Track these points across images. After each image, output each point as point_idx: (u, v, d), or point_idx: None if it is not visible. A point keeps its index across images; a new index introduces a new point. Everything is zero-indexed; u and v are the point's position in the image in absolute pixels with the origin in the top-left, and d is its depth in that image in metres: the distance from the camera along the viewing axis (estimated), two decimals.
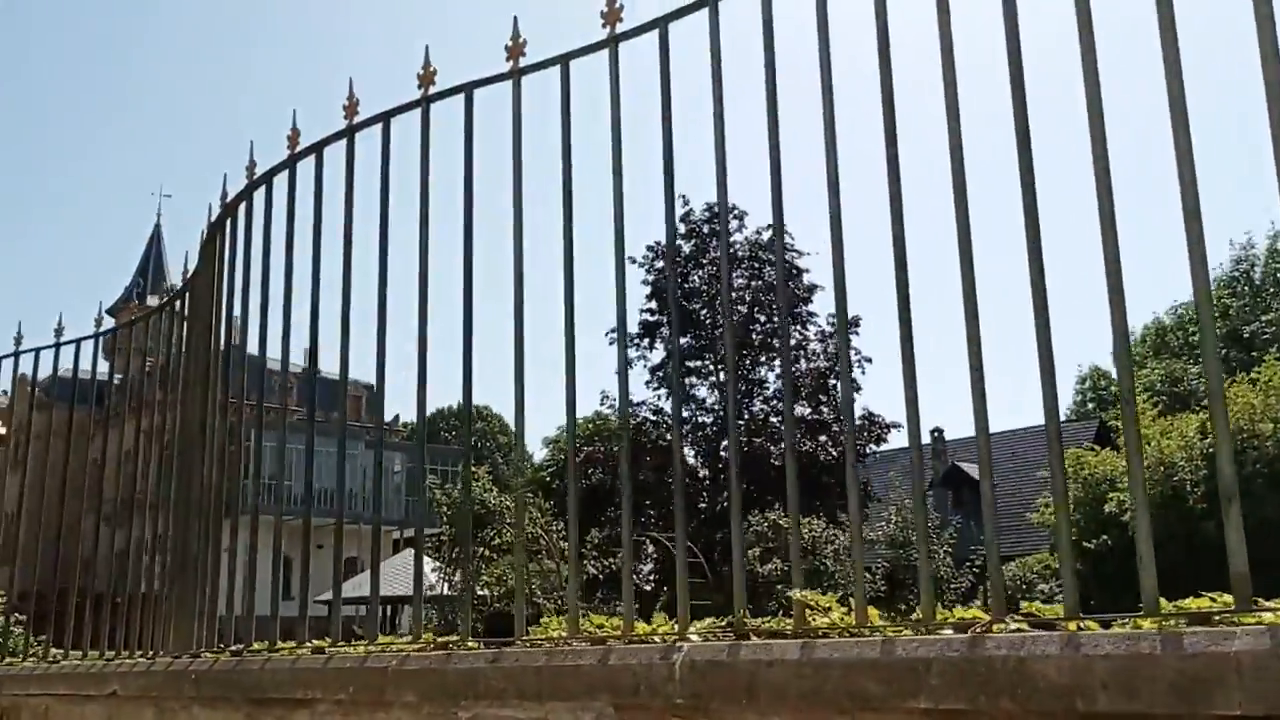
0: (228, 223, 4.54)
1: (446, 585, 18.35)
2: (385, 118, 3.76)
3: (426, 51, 3.67)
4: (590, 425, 42.82)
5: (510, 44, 3.44)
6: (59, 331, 5.99)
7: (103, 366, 6.50)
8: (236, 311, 4.45)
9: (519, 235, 3.35)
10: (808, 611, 2.54)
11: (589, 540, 23.19)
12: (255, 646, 3.80)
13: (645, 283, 32.26)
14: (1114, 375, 43.04)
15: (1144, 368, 40.78)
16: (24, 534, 6.02)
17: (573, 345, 3.18)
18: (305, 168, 4.04)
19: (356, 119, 3.83)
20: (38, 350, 6.05)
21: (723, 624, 2.81)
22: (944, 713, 1.84)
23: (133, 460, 5.80)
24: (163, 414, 5.65)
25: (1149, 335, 45.10)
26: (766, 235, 31.46)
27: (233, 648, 3.90)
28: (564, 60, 3.34)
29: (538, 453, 56.35)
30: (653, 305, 32.42)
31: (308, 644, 3.65)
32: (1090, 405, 45.72)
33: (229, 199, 4.52)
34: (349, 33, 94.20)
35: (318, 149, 3.98)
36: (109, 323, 6.68)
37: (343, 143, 3.85)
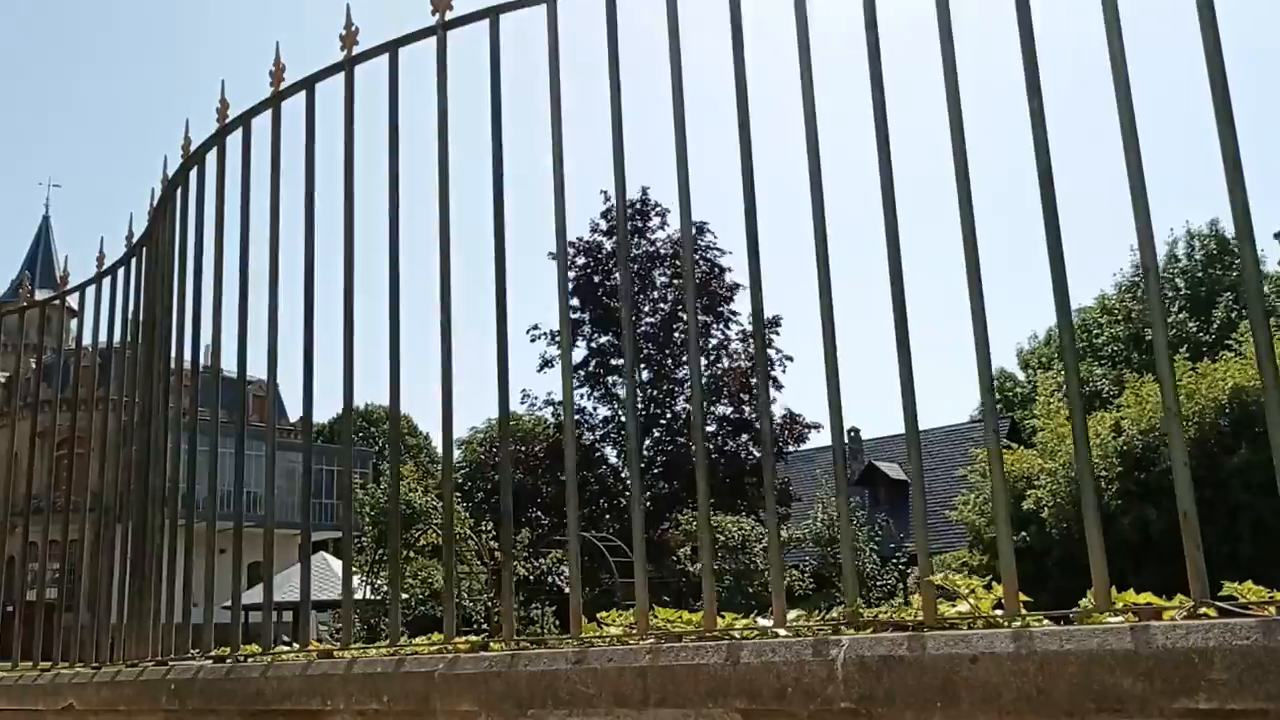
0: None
1: (369, 589, 17.63)
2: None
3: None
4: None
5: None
6: None
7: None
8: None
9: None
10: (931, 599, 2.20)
11: (519, 540, 22.64)
12: (246, 651, 3.31)
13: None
14: (1020, 377, 43.96)
15: (1049, 369, 41.78)
16: None
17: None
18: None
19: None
20: None
21: (819, 618, 2.46)
22: (1229, 714, 1.51)
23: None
24: (102, 406, 5.11)
25: (1051, 338, 46.23)
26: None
27: (212, 653, 3.40)
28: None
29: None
30: (574, 303, 31.96)
31: (313, 646, 3.19)
32: (998, 406, 46.71)
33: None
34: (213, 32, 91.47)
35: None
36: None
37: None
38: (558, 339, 27.25)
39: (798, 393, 63.33)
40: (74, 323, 5.64)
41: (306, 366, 3.31)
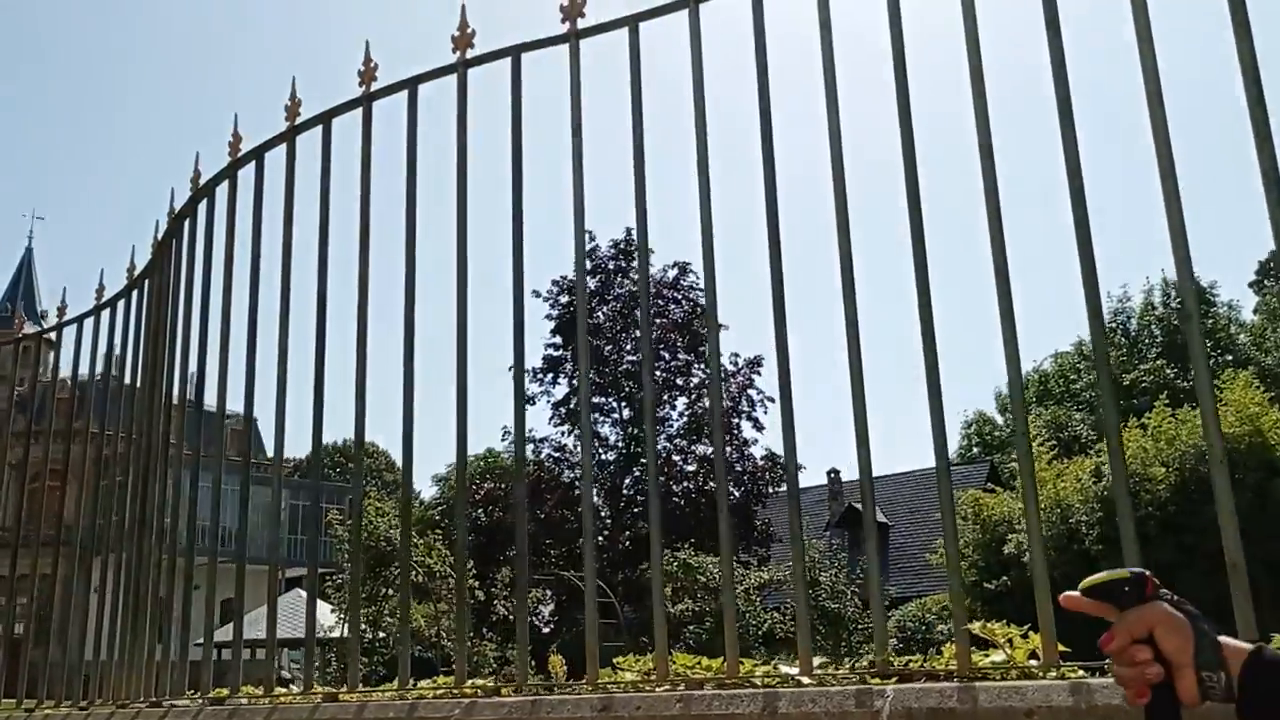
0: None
1: (347, 628, 17.38)
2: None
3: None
4: (482, 462, 41.92)
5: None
6: None
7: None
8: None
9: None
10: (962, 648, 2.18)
11: (498, 579, 22.43)
12: (246, 693, 3.24)
13: (549, 317, 31.79)
14: (999, 421, 44.13)
15: (1029, 413, 41.99)
16: None
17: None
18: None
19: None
20: None
21: (847, 667, 2.43)
22: None
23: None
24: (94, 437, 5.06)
25: (1031, 382, 46.50)
26: (672, 274, 31.43)
27: (210, 695, 3.34)
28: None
29: (426, 490, 54.92)
30: (557, 340, 31.93)
31: (316, 690, 3.13)
32: (976, 449, 46.81)
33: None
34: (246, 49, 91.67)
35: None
36: None
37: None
38: (539, 376, 26.97)
39: (779, 432, 63.17)
40: (51, 355, 5.59)
41: (317, 405, 3.29)
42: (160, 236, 4.44)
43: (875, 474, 2.53)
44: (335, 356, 3.24)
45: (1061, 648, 2.02)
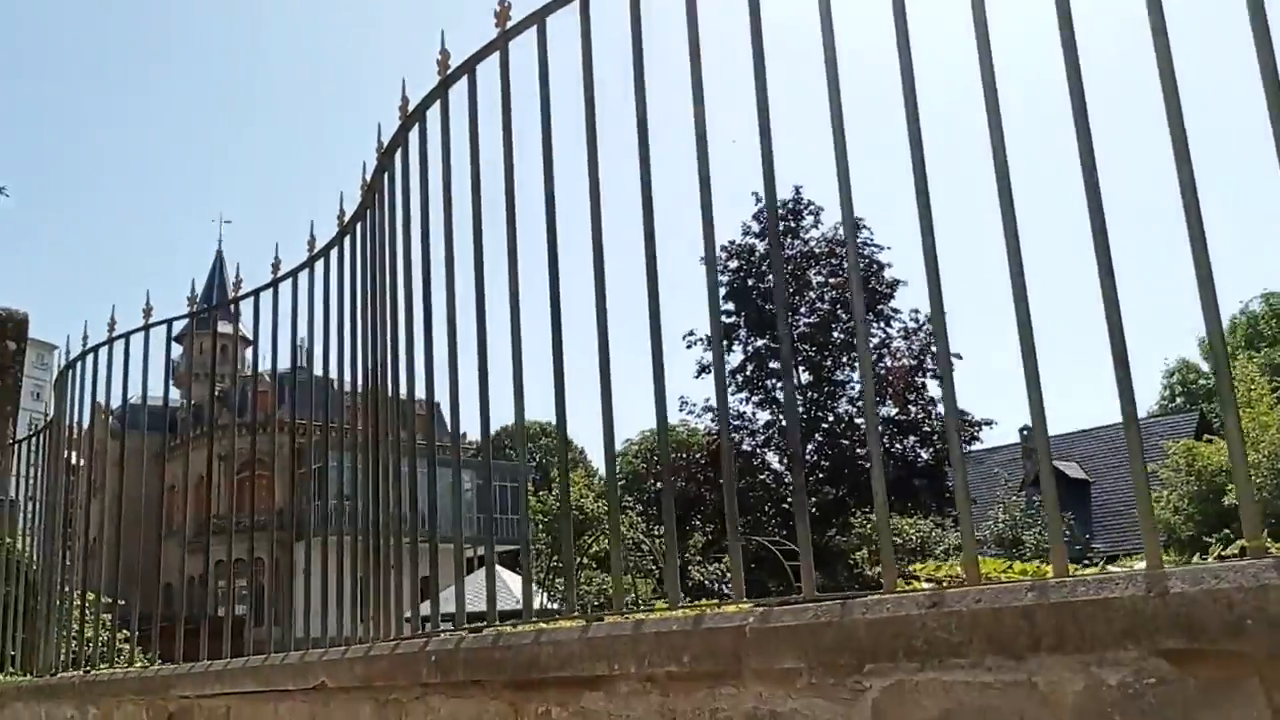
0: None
1: (546, 597, 17.64)
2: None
3: None
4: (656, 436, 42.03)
5: None
6: (152, 309, 5.39)
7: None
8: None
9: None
10: None
11: (692, 545, 22.36)
12: (501, 625, 3.09)
13: (721, 283, 31.51)
14: (1204, 368, 41.38)
15: (1236, 359, 39.21)
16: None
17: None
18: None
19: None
20: (128, 336, 5.43)
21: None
22: None
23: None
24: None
25: (1239, 326, 43.33)
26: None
27: (467, 625, 3.20)
28: None
29: (604, 466, 55.57)
30: (729, 306, 31.61)
31: (574, 616, 2.94)
32: (1179, 399, 44.03)
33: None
34: None
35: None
36: (177, 350, 6.20)
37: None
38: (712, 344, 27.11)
39: (966, 389, 61.08)
40: (248, 352, 5.56)
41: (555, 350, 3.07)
42: (367, 178, 4.27)
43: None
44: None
45: None
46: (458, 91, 3.58)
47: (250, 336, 5.54)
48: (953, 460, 2.47)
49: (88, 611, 5.81)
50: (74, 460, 5.95)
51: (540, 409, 3.23)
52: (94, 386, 5.67)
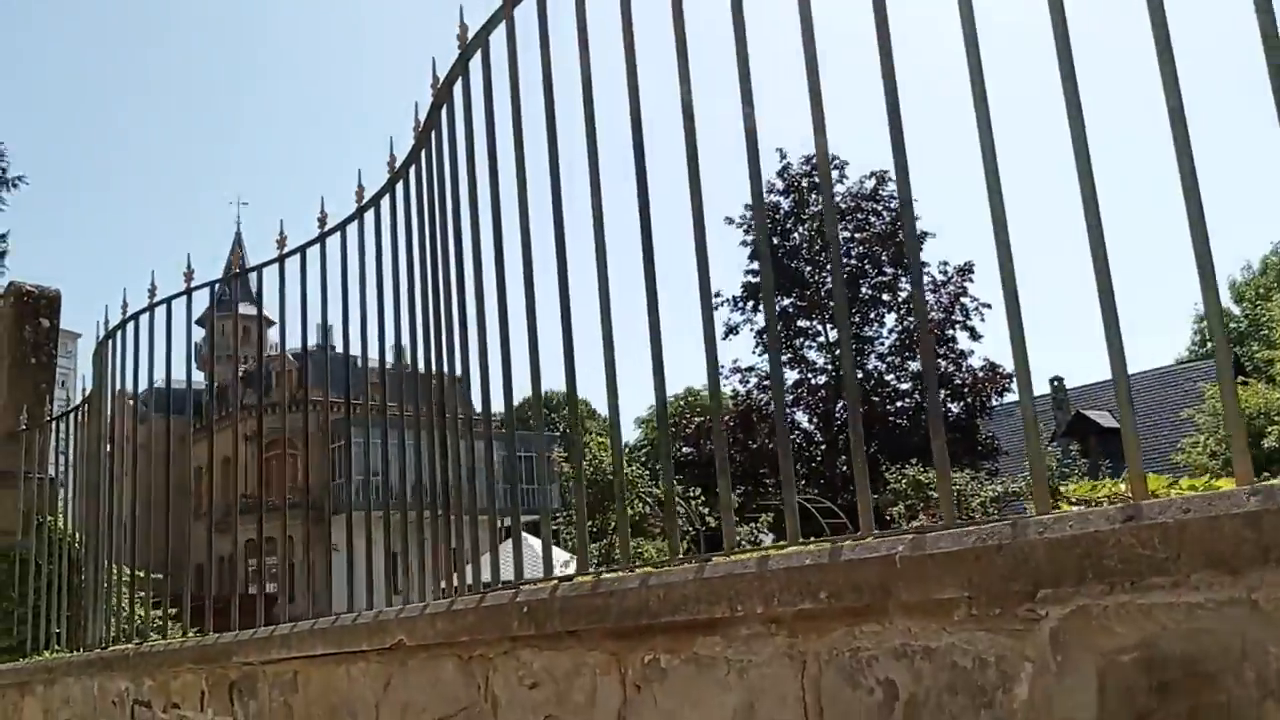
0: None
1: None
2: None
3: None
4: (681, 401, 41.82)
5: None
6: (192, 276, 5.17)
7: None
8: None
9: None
10: None
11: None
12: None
13: (745, 243, 31.13)
14: (1234, 311, 40.86)
15: (1270, 300, 38.61)
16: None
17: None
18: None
19: None
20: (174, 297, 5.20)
21: None
22: None
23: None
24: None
25: (1270, 266, 42.67)
26: (870, 185, 30.17)
27: (557, 576, 2.98)
28: None
29: (629, 433, 55.40)
30: (755, 266, 31.28)
31: (679, 561, 2.72)
32: (1210, 345, 43.49)
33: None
34: None
35: None
36: (198, 332, 5.97)
37: None
38: (740, 305, 26.51)
39: (998, 341, 60.46)
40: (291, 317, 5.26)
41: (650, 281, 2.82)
42: (421, 120, 3.95)
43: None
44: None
45: None
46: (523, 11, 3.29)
47: (280, 307, 5.21)
48: (1113, 377, 2.23)
49: (136, 585, 5.66)
50: (120, 430, 5.77)
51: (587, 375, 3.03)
52: (135, 355, 5.47)
